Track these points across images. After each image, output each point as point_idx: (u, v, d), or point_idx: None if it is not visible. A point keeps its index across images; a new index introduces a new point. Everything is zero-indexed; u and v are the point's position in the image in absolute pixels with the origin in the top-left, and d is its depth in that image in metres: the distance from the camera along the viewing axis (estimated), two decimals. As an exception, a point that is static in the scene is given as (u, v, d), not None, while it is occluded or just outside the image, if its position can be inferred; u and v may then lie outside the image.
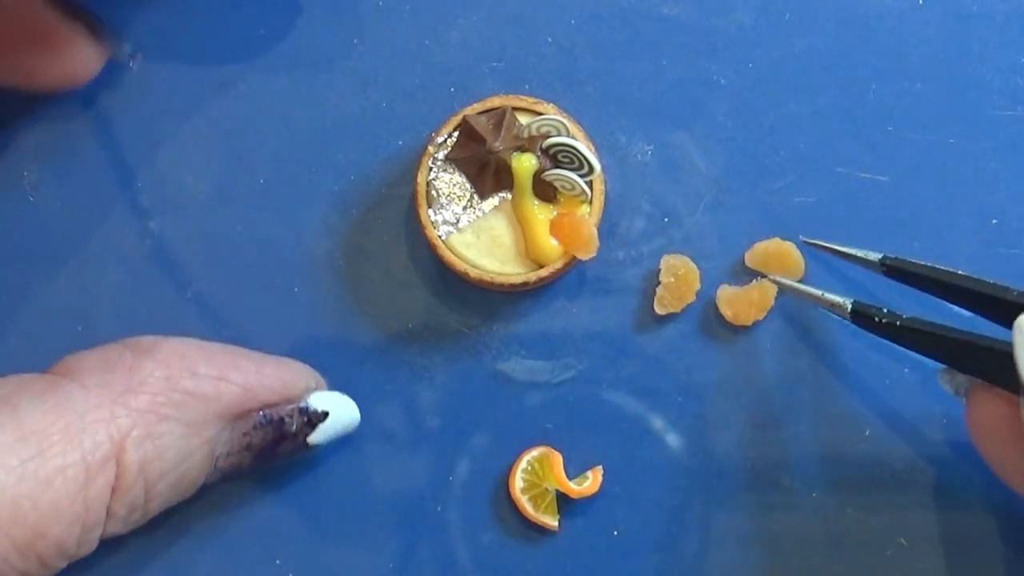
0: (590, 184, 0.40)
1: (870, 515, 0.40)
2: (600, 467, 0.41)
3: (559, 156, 0.40)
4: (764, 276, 0.41)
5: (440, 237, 0.40)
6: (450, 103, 0.42)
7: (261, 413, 0.38)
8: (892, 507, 0.40)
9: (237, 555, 0.41)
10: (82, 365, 0.36)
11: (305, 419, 0.38)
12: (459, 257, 0.40)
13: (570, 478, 0.40)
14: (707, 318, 0.41)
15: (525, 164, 0.39)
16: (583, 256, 0.40)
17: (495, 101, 0.40)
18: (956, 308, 0.37)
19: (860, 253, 0.39)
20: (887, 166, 0.42)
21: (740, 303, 0.41)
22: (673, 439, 0.41)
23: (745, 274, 0.41)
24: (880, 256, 0.39)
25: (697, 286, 0.41)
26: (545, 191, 0.40)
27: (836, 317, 0.39)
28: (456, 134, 0.40)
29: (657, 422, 0.41)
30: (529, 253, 0.40)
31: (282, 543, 0.41)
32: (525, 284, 0.40)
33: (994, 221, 0.41)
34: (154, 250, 0.42)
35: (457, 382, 0.41)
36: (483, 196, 0.40)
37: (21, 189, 0.42)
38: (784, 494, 0.41)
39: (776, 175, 0.42)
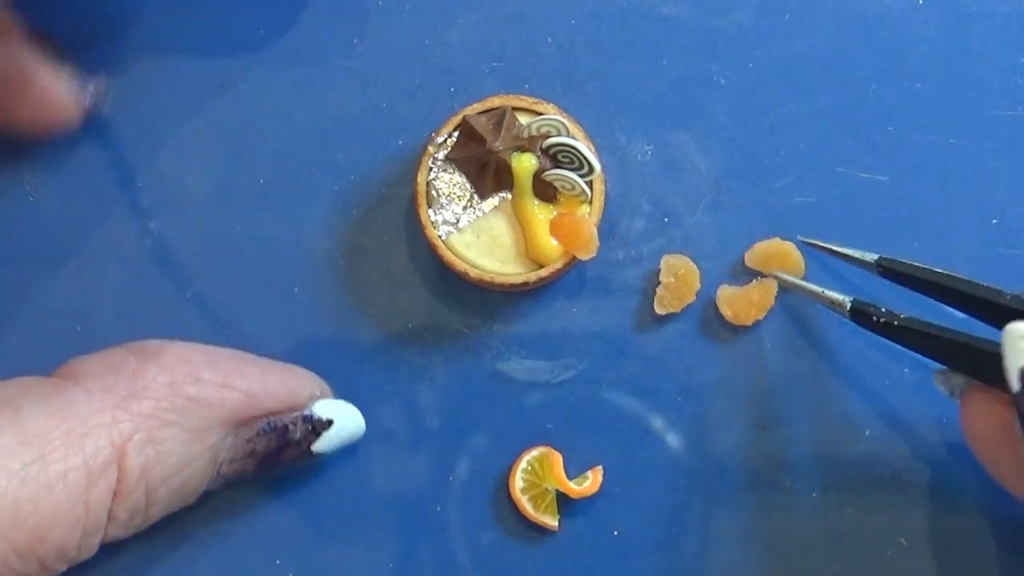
0: (590, 184, 0.40)
1: (870, 515, 0.40)
2: (600, 467, 0.41)
3: (559, 156, 0.40)
4: (764, 276, 0.41)
5: (440, 237, 0.40)
6: (450, 103, 0.42)
7: (265, 420, 0.38)
8: (892, 507, 0.40)
9: (237, 555, 0.41)
10: (85, 369, 0.36)
11: (309, 427, 0.38)
12: (459, 257, 0.40)
13: (570, 478, 0.40)
14: (707, 318, 0.41)
15: (525, 164, 0.39)
16: (583, 256, 0.40)
17: (495, 101, 0.40)
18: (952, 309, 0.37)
19: (856, 254, 0.39)
20: (887, 166, 0.42)
21: (740, 303, 0.41)
22: (673, 439, 0.41)
23: (745, 274, 0.41)
24: (876, 257, 0.39)
25: (697, 286, 0.41)
26: (545, 191, 0.40)
27: (836, 317, 0.40)
28: (456, 134, 0.40)
29: (657, 422, 0.41)
30: (529, 253, 0.40)
31: (282, 543, 0.41)
32: (525, 284, 0.40)
33: (994, 221, 0.41)
34: (154, 250, 0.42)
35: (457, 382, 0.41)
36: (483, 196, 0.40)
37: (21, 189, 0.42)
38: (784, 494, 0.41)
39: (776, 175, 0.42)
